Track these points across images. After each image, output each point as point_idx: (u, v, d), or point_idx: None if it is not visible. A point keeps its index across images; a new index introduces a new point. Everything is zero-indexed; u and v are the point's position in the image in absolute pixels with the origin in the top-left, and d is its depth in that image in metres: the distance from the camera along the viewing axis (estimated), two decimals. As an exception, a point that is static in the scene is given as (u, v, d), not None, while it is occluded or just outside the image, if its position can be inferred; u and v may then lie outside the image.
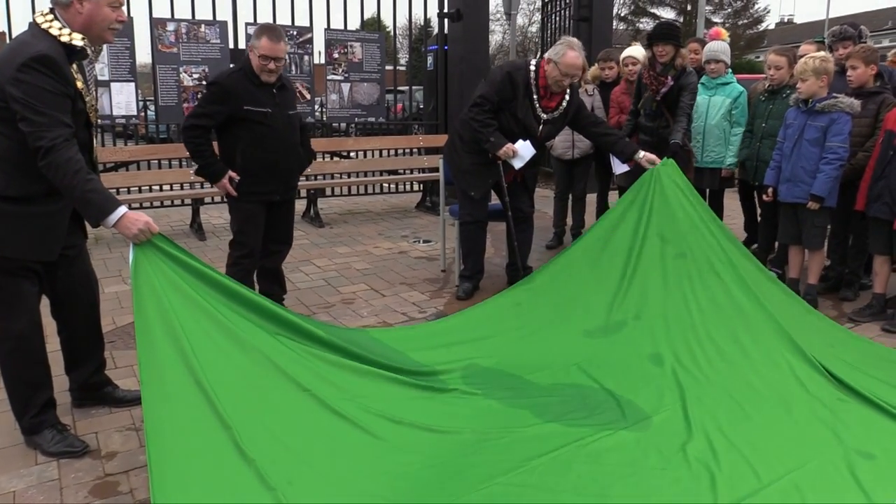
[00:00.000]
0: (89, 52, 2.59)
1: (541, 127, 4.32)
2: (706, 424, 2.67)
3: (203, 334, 2.38)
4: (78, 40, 2.49)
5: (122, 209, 2.42)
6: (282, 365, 2.51)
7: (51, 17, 2.50)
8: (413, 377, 2.88)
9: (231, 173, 3.76)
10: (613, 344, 3.33)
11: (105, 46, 6.55)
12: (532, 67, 4.26)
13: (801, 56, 4.57)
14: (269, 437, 2.27)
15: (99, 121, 6.59)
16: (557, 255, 3.98)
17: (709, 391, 2.93)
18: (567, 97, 4.34)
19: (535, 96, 4.25)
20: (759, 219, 5.72)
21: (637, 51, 5.59)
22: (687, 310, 3.42)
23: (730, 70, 5.29)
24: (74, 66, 2.53)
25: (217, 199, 7.45)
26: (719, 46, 5.25)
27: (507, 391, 2.93)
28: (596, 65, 6.19)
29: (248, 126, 3.72)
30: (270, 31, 3.73)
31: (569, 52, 4.14)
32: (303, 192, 7.72)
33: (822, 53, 4.46)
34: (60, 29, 2.47)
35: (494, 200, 4.54)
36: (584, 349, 3.31)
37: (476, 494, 2.25)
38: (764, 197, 4.67)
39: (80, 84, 2.54)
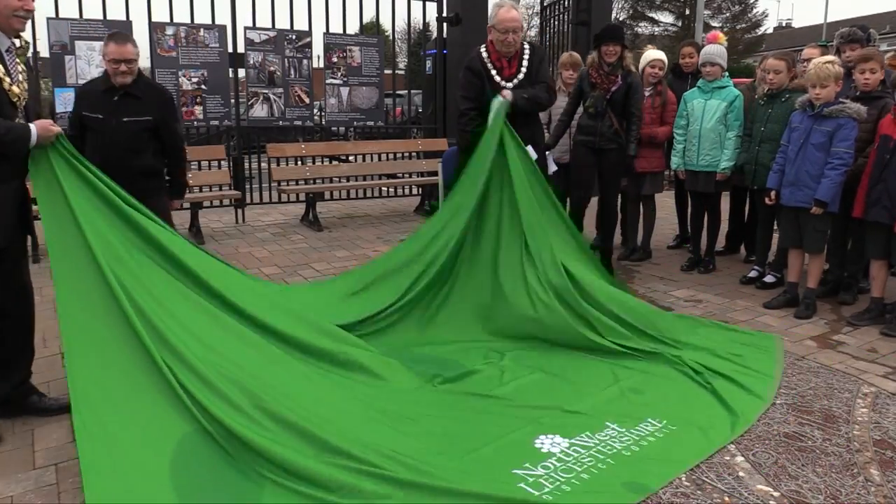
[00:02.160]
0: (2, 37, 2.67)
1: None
2: (517, 374, 3.38)
3: (100, 216, 2.82)
4: None
5: (33, 125, 2.65)
6: (176, 253, 2.92)
7: None
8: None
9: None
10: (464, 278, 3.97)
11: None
12: (482, 48, 4.36)
13: (806, 60, 4.56)
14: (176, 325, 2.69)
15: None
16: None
17: (525, 359, 3.56)
18: (526, 57, 4.37)
19: (492, 71, 4.32)
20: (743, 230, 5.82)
21: (657, 53, 5.68)
22: (518, 256, 3.93)
23: (726, 74, 5.30)
24: None
25: (216, 203, 7.46)
26: (716, 50, 5.27)
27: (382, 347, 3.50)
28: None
29: (88, 131, 3.95)
30: (116, 35, 3.91)
31: (499, 11, 4.25)
32: (301, 196, 7.73)
33: (835, 58, 4.45)
34: None
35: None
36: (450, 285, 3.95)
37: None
38: (766, 200, 4.66)
39: None
